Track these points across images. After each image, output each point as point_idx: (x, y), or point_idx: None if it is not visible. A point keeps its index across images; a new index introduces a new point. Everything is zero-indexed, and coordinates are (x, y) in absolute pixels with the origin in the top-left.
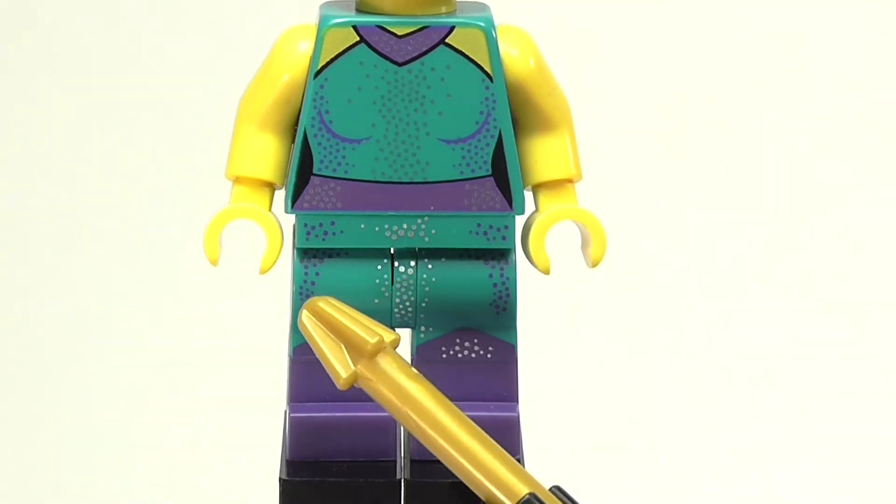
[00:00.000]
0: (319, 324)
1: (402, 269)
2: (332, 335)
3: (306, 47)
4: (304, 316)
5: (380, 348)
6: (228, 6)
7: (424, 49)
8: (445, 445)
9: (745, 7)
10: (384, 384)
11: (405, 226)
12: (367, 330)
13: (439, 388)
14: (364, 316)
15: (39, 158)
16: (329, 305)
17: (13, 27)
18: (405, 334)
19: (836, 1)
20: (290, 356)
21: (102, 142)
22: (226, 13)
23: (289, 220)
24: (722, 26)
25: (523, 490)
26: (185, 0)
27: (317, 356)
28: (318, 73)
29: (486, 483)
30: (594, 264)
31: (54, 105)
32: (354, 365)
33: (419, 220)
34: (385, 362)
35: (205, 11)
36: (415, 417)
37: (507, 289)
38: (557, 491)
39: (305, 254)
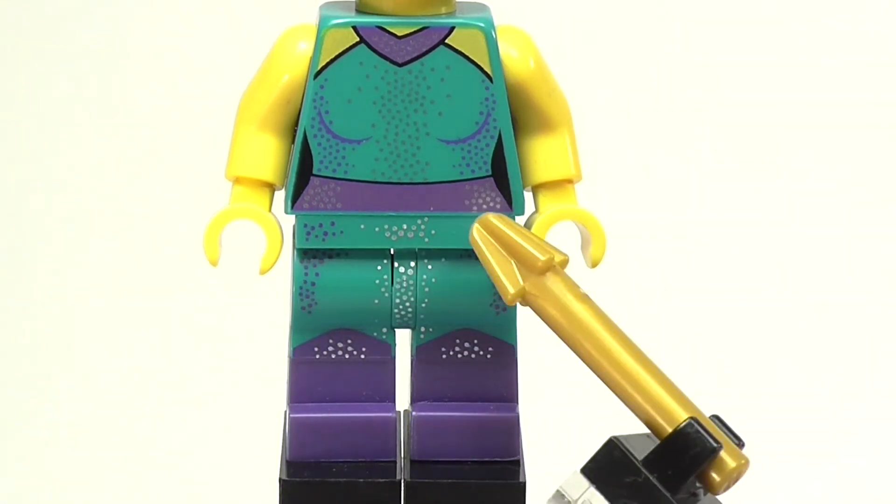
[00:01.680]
0: (491, 238)
1: (401, 269)
2: (502, 250)
3: (306, 48)
4: (476, 230)
5: (549, 266)
6: (228, 6)
7: (424, 49)
8: (607, 367)
9: (746, 7)
10: (550, 303)
11: (405, 226)
12: (539, 247)
13: (439, 389)
14: (536, 235)
15: (39, 158)
16: (502, 221)
17: (13, 27)
18: (405, 335)
19: (836, 1)
20: (290, 356)
21: (102, 142)
22: (226, 13)
23: (288, 221)
24: (722, 26)
25: (683, 415)
26: (185, 0)
27: (486, 271)
28: (317, 73)
29: (647, 406)
30: (594, 264)
31: (54, 105)
32: (523, 281)
33: (419, 221)
34: (553, 281)
35: (205, 11)
36: (580, 338)
37: None
38: (717, 420)
39: (305, 254)
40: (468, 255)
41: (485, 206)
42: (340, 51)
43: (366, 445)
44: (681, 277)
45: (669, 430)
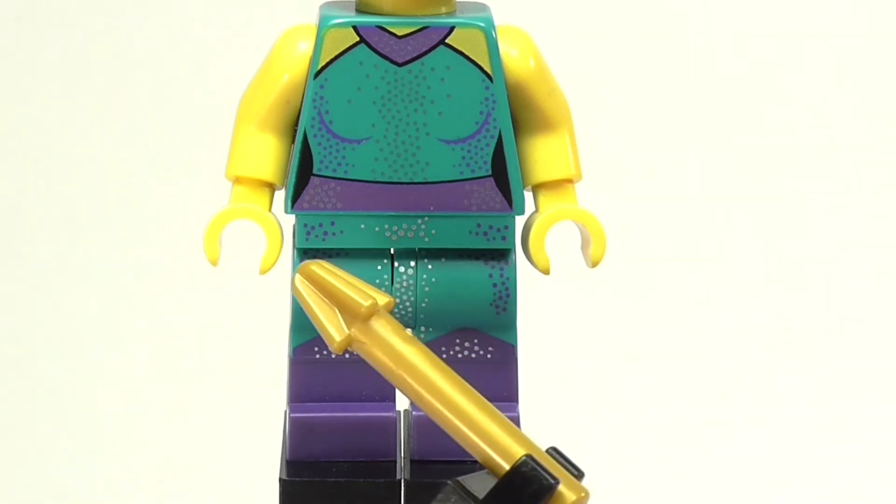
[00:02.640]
0: (313, 287)
1: (402, 269)
2: (325, 299)
3: (306, 47)
4: (298, 280)
5: (373, 311)
6: (228, 6)
7: (424, 49)
8: (441, 408)
9: (746, 6)
10: (378, 347)
11: (405, 226)
12: (361, 293)
13: None
14: (357, 279)
15: (39, 158)
16: (322, 269)
17: (13, 27)
18: None
19: (835, 1)
20: (290, 356)
21: (102, 142)
22: (226, 13)
23: (288, 221)
24: (723, 25)
25: (520, 452)
26: (185, 0)
27: (311, 320)
28: (318, 73)
29: (483, 445)
30: (594, 264)
31: (54, 105)
32: (348, 328)
33: (419, 221)
34: (379, 325)
35: (205, 11)
36: (410, 380)
37: (507, 289)
38: (554, 452)
39: (305, 254)
40: (468, 254)
41: (484, 206)
42: (340, 50)
43: (366, 445)
44: (681, 277)
45: (507, 467)
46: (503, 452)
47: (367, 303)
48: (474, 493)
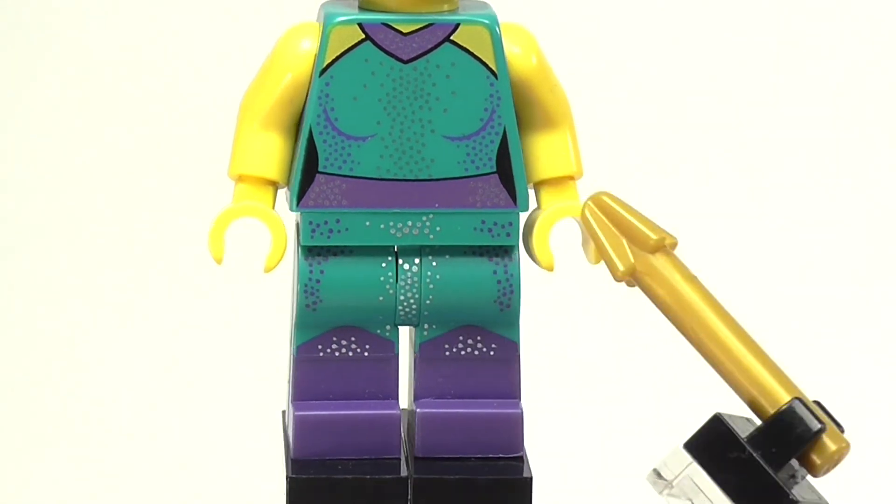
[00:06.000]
0: (602, 216)
1: (406, 266)
2: (613, 228)
3: (310, 45)
4: (588, 208)
5: (660, 246)
6: (229, 6)
7: (429, 46)
8: (713, 347)
9: (746, 5)
10: (659, 282)
11: (410, 223)
12: (651, 227)
13: (442, 386)
14: (647, 217)
15: (41, 158)
16: (614, 200)
17: (13, 27)
18: (408, 332)
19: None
20: (293, 354)
21: (105, 141)
22: (227, 12)
23: (292, 218)
24: (723, 23)
25: (787, 397)
26: (186, 0)
27: (596, 248)
28: (323, 71)
29: (751, 387)
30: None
31: (56, 105)
32: (633, 259)
33: (424, 218)
34: (662, 261)
35: (206, 10)
36: (686, 317)
37: (510, 286)
38: (819, 405)
39: (310, 251)
40: (472, 251)
41: (489, 203)
42: (346, 48)
43: (370, 442)
44: None
45: (772, 411)
46: (771, 397)
47: (655, 236)
48: (737, 432)
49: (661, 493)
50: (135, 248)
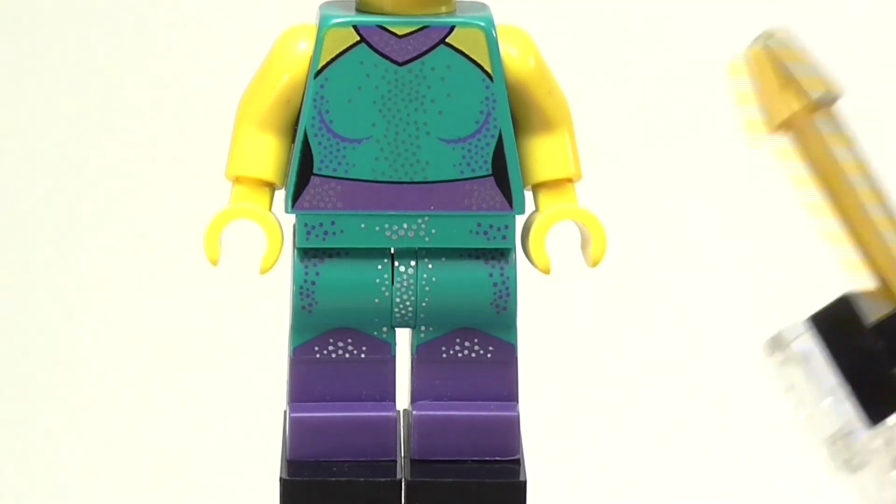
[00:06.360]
0: (771, 61)
1: (402, 268)
2: (777, 74)
3: (306, 47)
4: (754, 51)
5: (823, 103)
6: (229, 6)
7: (425, 49)
8: (854, 220)
9: (746, 6)
10: (812, 140)
11: (405, 225)
12: (818, 79)
13: (439, 388)
14: (815, 64)
15: (39, 158)
16: (787, 43)
17: (13, 27)
18: (405, 334)
19: (835, 1)
20: (290, 356)
21: (102, 142)
22: (226, 13)
23: (288, 220)
24: (722, 25)
25: None
26: (185, 0)
27: (754, 92)
28: (318, 72)
29: (888, 269)
30: (594, 264)
31: (54, 104)
32: (791, 113)
33: (419, 220)
34: (823, 119)
35: (205, 11)
36: (833, 184)
37: (507, 288)
38: None
39: (305, 253)
40: (468, 254)
41: (485, 206)
42: (341, 50)
43: (366, 445)
44: (681, 276)
45: None
46: None
47: (820, 91)
48: (864, 315)
49: (776, 362)
50: (132, 249)
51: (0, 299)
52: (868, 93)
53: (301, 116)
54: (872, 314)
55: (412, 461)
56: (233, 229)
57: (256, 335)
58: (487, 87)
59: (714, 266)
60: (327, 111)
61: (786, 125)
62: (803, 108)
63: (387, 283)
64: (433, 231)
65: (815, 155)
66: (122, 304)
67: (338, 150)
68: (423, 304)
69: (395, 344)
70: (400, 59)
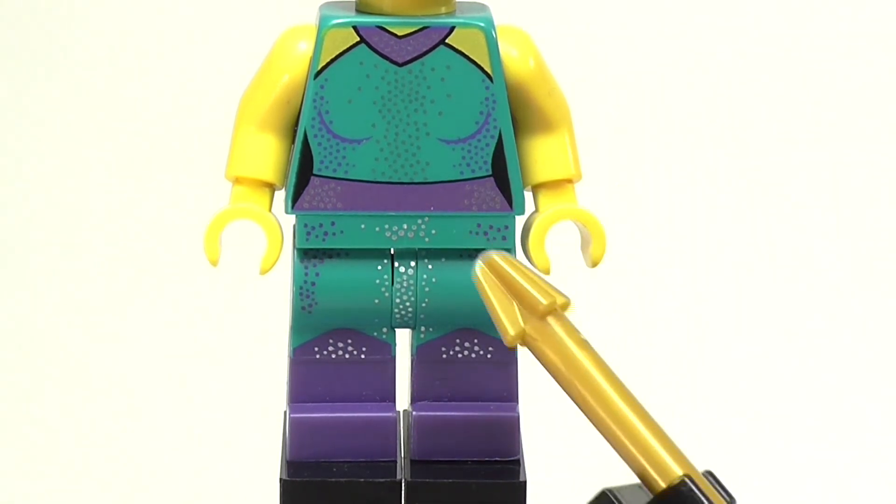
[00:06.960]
0: (494, 278)
1: (402, 269)
2: (505, 291)
3: (306, 47)
4: (480, 269)
5: (551, 310)
6: (228, 6)
7: (424, 49)
8: (603, 416)
9: (745, 6)
10: (550, 347)
11: (405, 226)
12: (542, 290)
13: (439, 389)
14: (540, 277)
15: (39, 158)
16: (506, 261)
17: (13, 27)
18: (405, 335)
19: (835, 1)
20: (290, 356)
21: (102, 142)
22: (226, 13)
23: (288, 221)
24: (722, 25)
25: (678, 471)
26: (185, 0)
27: (487, 310)
28: (318, 73)
29: (641, 458)
30: (594, 264)
31: (54, 105)
32: (524, 323)
33: (419, 221)
34: (554, 325)
35: (205, 11)
36: (577, 384)
37: None
38: (710, 476)
39: (305, 254)
40: (468, 254)
41: (485, 206)
42: (341, 51)
43: (366, 445)
44: (681, 277)
45: (663, 485)
46: (662, 470)
47: (546, 301)
48: None
49: None
50: (132, 250)
51: (2, 299)
52: (869, 93)
53: (301, 117)
54: (633, 502)
55: (412, 462)
56: (233, 230)
57: (256, 336)
58: (487, 88)
59: (714, 266)
60: (327, 112)
61: (520, 337)
62: (532, 321)
63: (387, 283)
64: (433, 232)
65: (554, 358)
66: (123, 304)
67: (338, 151)
68: (423, 304)
69: (395, 344)
70: (400, 60)
